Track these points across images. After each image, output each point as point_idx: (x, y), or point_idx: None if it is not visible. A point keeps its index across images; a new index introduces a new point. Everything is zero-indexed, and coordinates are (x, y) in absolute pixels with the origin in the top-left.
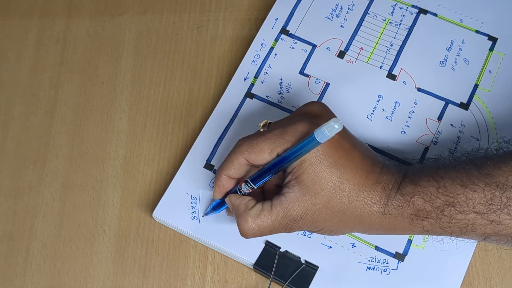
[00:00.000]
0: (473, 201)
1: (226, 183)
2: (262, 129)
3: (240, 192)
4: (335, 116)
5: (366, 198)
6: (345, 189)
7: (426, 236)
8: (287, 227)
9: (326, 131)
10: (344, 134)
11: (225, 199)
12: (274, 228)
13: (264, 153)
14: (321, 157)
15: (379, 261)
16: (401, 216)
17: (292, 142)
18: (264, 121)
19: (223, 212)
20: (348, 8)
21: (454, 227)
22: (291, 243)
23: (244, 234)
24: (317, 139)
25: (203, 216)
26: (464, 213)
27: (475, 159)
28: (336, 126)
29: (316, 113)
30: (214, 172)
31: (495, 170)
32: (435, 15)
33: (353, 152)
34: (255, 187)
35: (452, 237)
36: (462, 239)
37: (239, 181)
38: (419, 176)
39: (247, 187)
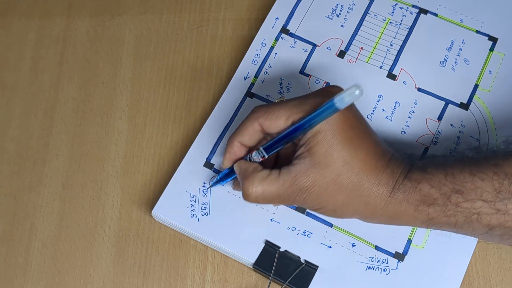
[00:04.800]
0: (481, 189)
1: (238, 150)
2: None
3: (250, 160)
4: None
5: (374, 180)
6: (356, 167)
7: (426, 235)
8: (291, 198)
9: (347, 97)
10: (360, 117)
11: (234, 165)
12: (278, 196)
13: (280, 120)
14: (336, 131)
15: (378, 261)
16: (407, 201)
17: (309, 112)
18: (281, 97)
19: (224, 212)
20: (349, 7)
21: (459, 216)
22: (291, 243)
23: (247, 196)
24: (335, 104)
25: (208, 187)
26: (471, 201)
27: (484, 152)
28: (357, 92)
29: (336, 93)
30: (214, 171)
31: (504, 161)
32: (436, 15)
33: (367, 135)
34: (267, 156)
35: (455, 234)
36: (463, 236)
37: (249, 152)
38: (428, 164)
39: (258, 155)
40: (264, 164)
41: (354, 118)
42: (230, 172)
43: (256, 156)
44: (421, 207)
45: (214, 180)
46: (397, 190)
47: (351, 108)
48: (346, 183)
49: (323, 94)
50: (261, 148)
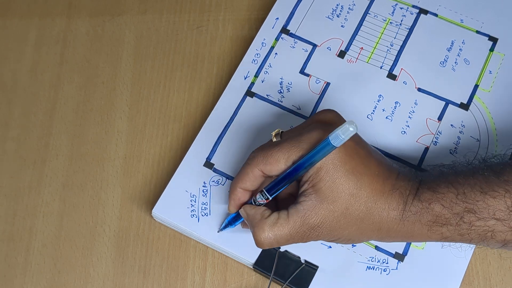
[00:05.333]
0: (493, 208)
1: (242, 196)
2: (274, 139)
3: (255, 203)
4: None
5: (384, 205)
6: (363, 196)
7: None
8: (304, 236)
9: (341, 134)
10: (359, 140)
11: (239, 211)
12: (291, 237)
13: (280, 163)
14: (338, 164)
15: (379, 261)
16: (419, 222)
17: (307, 150)
18: (276, 130)
19: (224, 212)
20: (349, 8)
21: (473, 234)
22: None
23: (260, 243)
24: (332, 143)
25: (218, 232)
26: (484, 219)
27: (493, 166)
28: (351, 129)
29: (330, 120)
30: (214, 170)
31: None
32: (436, 15)
33: (369, 158)
34: (270, 198)
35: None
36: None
37: (254, 194)
38: (437, 182)
39: (262, 197)
40: (268, 202)
41: (353, 145)
42: (237, 216)
43: (260, 198)
44: (434, 227)
45: (223, 225)
46: (408, 211)
47: None
48: (356, 214)
49: (317, 126)
50: (264, 191)
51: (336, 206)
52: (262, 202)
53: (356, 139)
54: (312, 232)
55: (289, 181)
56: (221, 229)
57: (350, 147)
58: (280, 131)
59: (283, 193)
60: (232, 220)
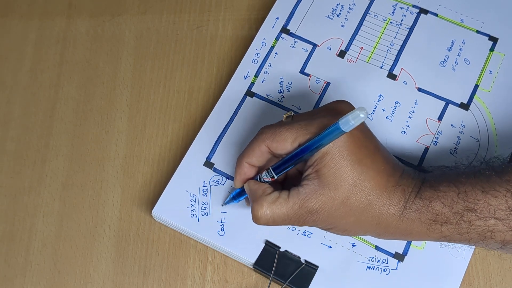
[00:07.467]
0: (494, 207)
1: (247, 171)
2: (285, 120)
3: (260, 180)
4: None
5: (385, 200)
6: (366, 188)
7: None
8: (300, 220)
9: (351, 120)
10: (369, 134)
11: (244, 185)
12: (287, 218)
13: (286, 142)
14: (344, 152)
15: (379, 261)
16: (419, 220)
17: (315, 134)
18: (288, 113)
19: (224, 212)
20: (349, 7)
21: (473, 233)
22: (291, 243)
23: (257, 219)
24: (341, 127)
25: (222, 205)
26: (484, 219)
27: (495, 166)
28: (362, 115)
29: (342, 110)
30: (214, 170)
31: None
32: (436, 15)
33: (376, 153)
34: (276, 177)
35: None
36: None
37: (259, 171)
38: (439, 181)
39: (267, 175)
40: (274, 182)
41: (362, 138)
42: (242, 191)
43: (265, 176)
44: (433, 226)
45: (228, 199)
46: (408, 208)
47: (359, 126)
48: (356, 205)
49: (329, 113)
50: (270, 169)
51: (337, 193)
52: (267, 180)
53: (366, 133)
54: (310, 217)
55: (295, 162)
56: (225, 203)
57: (359, 139)
58: (292, 113)
59: (288, 180)
60: (236, 195)
